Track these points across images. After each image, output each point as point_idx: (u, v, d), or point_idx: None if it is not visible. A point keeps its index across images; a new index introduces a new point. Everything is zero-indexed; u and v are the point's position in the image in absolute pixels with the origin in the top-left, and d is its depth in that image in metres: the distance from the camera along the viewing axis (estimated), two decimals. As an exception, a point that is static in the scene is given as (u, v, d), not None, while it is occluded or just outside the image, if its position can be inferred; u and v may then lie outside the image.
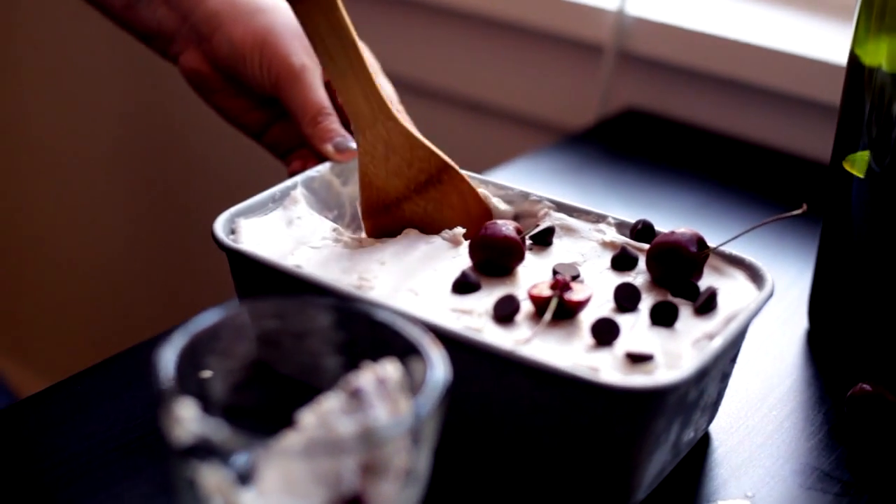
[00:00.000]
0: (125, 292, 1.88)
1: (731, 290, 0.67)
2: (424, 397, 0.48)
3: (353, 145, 0.78)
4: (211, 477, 0.48)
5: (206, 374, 0.53)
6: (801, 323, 0.82)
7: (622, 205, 0.98)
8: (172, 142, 1.67)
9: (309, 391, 0.54)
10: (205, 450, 0.47)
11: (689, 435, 0.66)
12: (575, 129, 1.22)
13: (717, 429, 0.70)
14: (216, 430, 0.46)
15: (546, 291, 0.64)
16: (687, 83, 1.18)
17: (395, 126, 0.73)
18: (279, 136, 0.88)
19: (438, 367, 0.49)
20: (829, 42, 1.12)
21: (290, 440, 0.49)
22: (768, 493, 0.65)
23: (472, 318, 0.64)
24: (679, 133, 1.16)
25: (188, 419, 0.47)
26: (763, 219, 0.72)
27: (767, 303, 0.66)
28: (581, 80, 1.24)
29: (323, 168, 0.78)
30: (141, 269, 1.85)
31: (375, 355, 0.52)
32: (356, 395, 0.49)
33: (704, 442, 0.69)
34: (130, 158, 1.79)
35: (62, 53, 1.78)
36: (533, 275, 0.68)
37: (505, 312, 0.63)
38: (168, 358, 0.50)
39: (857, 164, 0.74)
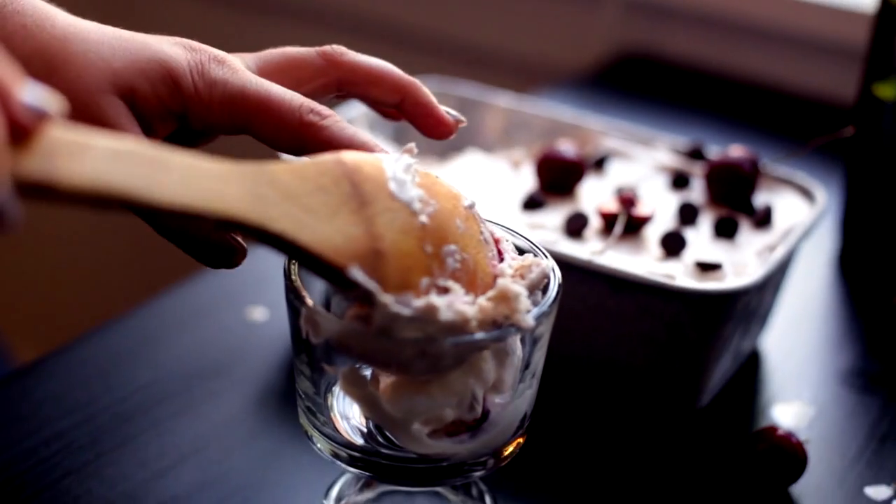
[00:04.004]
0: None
1: (783, 206, 0.70)
2: (543, 297, 0.50)
3: None
4: (346, 373, 0.49)
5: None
6: (832, 244, 0.85)
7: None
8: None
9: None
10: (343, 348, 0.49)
11: (747, 343, 0.69)
12: (574, 73, 1.24)
13: (765, 342, 0.73)
14: (352, 327, 0.48)
15: (614, 207, 0.67)
16: (687, 25, 1.20)
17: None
18: None
19: (555, 270, 0.51)
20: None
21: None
22: (823, 398, 0.69)
23: (546, 231, 0.66)
24: (682, 76, 1.19)
25: (326, 318, 0.48)
26: (781, 153, 0.75)
27: (822, 217, 0.69)
28: (582, 23, 1.26)
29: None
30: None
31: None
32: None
33: (755, 354, 0.72)
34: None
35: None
36: (592, 195, 0.71)
37: (576, 227, 0.66)
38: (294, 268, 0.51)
39: (887, 90, 0.78)
